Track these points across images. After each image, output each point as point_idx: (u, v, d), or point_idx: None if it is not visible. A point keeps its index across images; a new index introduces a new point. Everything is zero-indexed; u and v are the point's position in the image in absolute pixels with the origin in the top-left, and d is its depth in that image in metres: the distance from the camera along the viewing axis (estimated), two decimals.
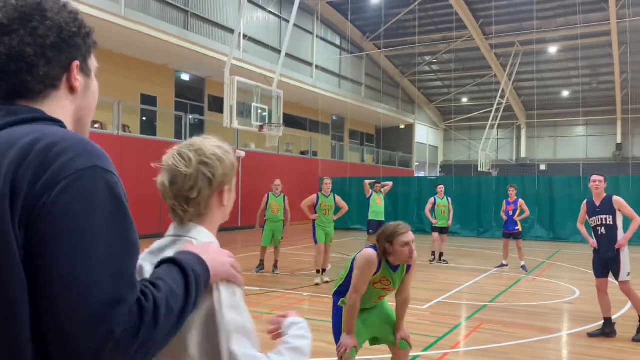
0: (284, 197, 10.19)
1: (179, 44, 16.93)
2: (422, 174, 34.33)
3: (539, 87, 33.35)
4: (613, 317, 6.19)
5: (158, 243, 1.34)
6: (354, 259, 3.75)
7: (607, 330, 6.05)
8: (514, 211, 11.42)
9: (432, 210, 12.37)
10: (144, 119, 18.88)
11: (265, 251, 10.10)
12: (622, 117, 32.93)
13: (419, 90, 35.76)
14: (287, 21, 18.26)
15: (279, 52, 18.29)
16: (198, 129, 20.40)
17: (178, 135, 18.34)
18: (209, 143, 1.33)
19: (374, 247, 3.64)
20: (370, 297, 3.72)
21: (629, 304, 6.62)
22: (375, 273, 3.58)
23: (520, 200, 11.54)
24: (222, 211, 1.36)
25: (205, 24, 18.99)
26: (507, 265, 11.31)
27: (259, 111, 14.30)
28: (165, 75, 19.46)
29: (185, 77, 20.86)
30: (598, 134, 34.83)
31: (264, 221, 10.08)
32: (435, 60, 31.59)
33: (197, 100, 21.22)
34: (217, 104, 18.68)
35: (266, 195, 10.21)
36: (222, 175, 1.31)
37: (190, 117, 19.21)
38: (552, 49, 28.10)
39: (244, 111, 13.88)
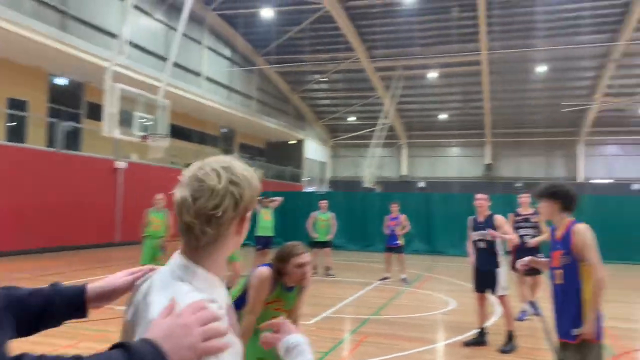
0: (167, 212, 9.71)
1: (54, 45, 15.67)
2: (311, 189, 34.82)
3: (419, 110, 35.51)
4: (485, 326, 6.58)
5: (162, 273, 1.21)
6: (248, 278, 3.60)
7: (481, 339, 6.43)
8: (396, 226, 11.93)
9: (314, 224, 12.56)
10: (15, 124, 17.17)
11: None
12: (492, 140, 36.04)
13: (308, 107, 36.44)
14: (175, 29, 17.68)
15: (166, 60, 17.63)
16: (74, 137, 18.98)
17: (51, 143, 16.92)
18: (237, 163, 1.25)
19: (269, 264, 3.51)
20: (264, 318, 3.57)
21: (499, 314, 7.09)
22: (271, 293, 3.45)
23: (403, 216, 12.08)
24: (236, 241, 1.24)
25: (85, 26, 17.83)
26: (389, 278, 11.71)
27: (143, 120, 13.61)
28: (38, 78, 17.91)
29: (61, 81, 19.35)
30: (470, 154, 37.75)
31: (143, 237, 9.55)
32: (324, 79, 32.37)
33: (74, 106, 19.73)
34: (96, 112, 17.49)
35: (146, 210, 9.68)
36: (249, 198, 1.21)
37: (66, 124, 17.81)
38: (432, 75, 30.02)
39: (126, 120, 13.13)
